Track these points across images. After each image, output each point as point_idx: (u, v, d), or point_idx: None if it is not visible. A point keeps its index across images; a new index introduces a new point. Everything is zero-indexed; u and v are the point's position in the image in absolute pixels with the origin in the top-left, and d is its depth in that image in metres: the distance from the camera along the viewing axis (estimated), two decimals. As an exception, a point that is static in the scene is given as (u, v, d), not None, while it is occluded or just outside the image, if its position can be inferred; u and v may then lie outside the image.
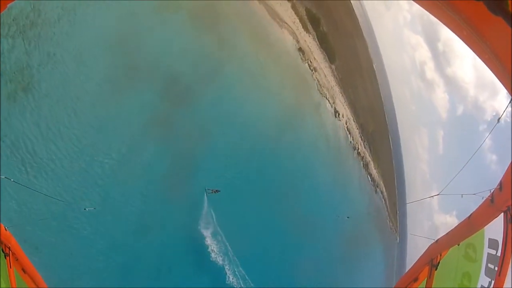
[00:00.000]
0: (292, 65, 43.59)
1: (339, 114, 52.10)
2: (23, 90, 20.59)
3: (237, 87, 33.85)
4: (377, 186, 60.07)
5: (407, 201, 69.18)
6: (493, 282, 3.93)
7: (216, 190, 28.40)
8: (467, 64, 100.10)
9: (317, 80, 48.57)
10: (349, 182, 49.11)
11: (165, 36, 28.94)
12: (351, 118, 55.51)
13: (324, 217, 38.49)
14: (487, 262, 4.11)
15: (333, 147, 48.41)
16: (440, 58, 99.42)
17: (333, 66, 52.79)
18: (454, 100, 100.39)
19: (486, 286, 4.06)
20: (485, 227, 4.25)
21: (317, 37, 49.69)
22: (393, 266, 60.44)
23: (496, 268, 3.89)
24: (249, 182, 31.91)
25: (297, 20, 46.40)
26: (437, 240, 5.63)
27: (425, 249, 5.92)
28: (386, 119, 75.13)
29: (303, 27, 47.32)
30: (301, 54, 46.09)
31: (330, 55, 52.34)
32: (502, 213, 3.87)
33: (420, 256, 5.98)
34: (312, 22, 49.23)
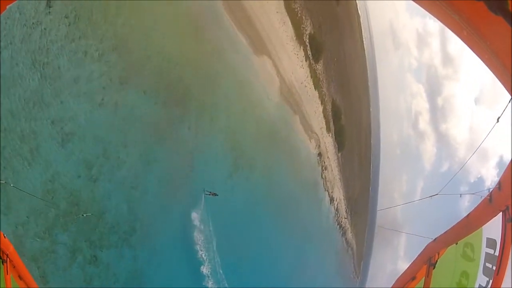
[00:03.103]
0: (308, 169, 45.78)
1: (333, 200, 54.63)
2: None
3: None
4: (350, 247, 63.75)
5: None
6: (491, 281, 3.94)
7: (213, 194, 27.88)
8: (463, 125, 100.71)
9: (325, 177, 50.84)
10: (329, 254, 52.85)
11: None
12: (342, 199, 57.91)
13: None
14: (485, 261, 4.12)
15: (322, 228, 51.19)
16: (437, 113, 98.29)
17: (339, 154, 54.70)
18: (442, 155, 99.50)
19: (484, 285, 4.07)
20: (483, 227, 4.25)
21: (335, 133, 51.34)
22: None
23: (494, 268, 3.89)
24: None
25: (324, 123, 47.96)
26: (435, 239, 5.61)
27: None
28: (371, 163, 76.04)
29: (327, 128, 48.72)
30: (319, 158, 48.19)
31: (341, 145, 54.37)
32: (501, 213, 3.85)
33: (418, 255, 5.98)
34: (335, 115, 50.73)
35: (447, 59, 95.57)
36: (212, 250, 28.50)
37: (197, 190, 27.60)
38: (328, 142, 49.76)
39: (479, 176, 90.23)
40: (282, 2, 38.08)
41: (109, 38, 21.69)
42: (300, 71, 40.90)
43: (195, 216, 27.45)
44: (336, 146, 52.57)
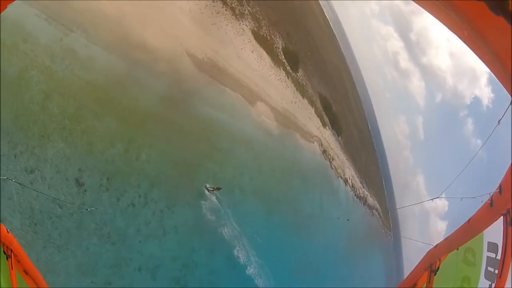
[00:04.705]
0: (319, 170, 48.55)
1: (347, 180, 57.81)
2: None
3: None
4: (373, 209, 67.88)
5: (397, 202, 75.73)
6: (493, 285, 3.91)
7: (217, 188, 28.34)
8: (443, 53, 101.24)
9: (334, 167, 53.69)
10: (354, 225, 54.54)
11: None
12: (354, 174, 61.12)
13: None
14: (487, 265, 4.11)
15: (346, 211, 53.94)
16: (414, 48, 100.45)
17: (339, 138, 57.69)
18: (432, 88, 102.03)
19: None
20: (484, 231, 4.25)
21: (331, 123, 54.14)
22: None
23: (496, 271, 3.88)
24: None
25: (319, 122, 50.55)
26: (436, 245, 5.63)
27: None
28: (368, 123, 79.87)
29: (322, 125, 51.38)
30: (324, 154, 50.81)
31: (339, 131, 57.26)
32: (502, 216, 3.86)
33: (419, 262, 5.99)
34: (326, 108, 53.34)
35: None
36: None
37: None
38: (327, 135, 52.41)
39: (473, 97, 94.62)
40: (251, 37, 40.16)
41: (144, 180, 23.87)
42: (287, 92, 42.85)
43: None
44: (335, 133, 55.26)
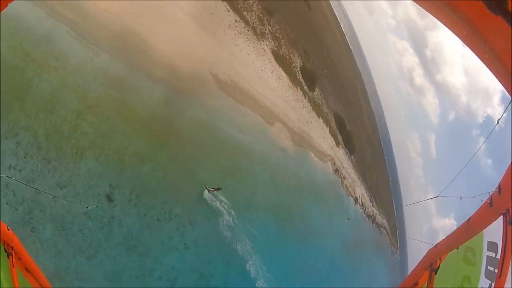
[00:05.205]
0: (331, 190, 49.75)
1: (357, 199, 58.39)
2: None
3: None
4: (382, 227, 68.06)
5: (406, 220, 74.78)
6: (493, 284, 3.90)
7: (217, 188, 28.81)
8: (457, 70, 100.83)
9: (346, 186, 54.60)
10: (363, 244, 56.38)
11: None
12: (364, 192, 61.58)
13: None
14: (487, 264, 4.11)
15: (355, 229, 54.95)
16: (429, 64, 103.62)
17: (352, 157, 58.48)
18: (446, 106, 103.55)
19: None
20: (484, 231, 4.25)
21: (344, 142, 55.10)
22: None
23: (496, 270, 3.86)
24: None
25: (333, 141, 51.82)
26: (436, 245, 5.60)
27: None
28: (381, 141, 79.81)
29: (336, 144, 52.46)
30: (336, 173, 51.82)
31: (352, 149, 58.08)
32: (502, 216, 3.85)
33: (420, 261, 5.97)
34: (340, 127, 54.45)
35: (422, 10, 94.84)
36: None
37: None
38: (340, 154, 53.24)
39: (486, 115, 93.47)
40: (271, 57, 41.91)
41: (169, 197, 25.67)
42: (303, 112, 44.11)
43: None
44: (348, 152, 55.76)
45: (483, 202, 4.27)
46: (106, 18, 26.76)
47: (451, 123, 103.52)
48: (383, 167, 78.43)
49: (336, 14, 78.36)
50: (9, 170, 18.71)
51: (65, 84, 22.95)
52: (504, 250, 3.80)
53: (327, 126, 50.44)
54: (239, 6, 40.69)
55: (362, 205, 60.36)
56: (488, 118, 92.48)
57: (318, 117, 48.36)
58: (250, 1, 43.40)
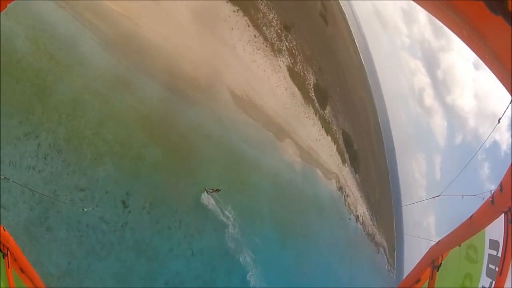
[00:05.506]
0: (334, 207, 50.68)
1: (359, 217, 59.06)
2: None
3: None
4: (380, 246, 68.36)
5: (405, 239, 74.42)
6: (494, 282, 3.92)
7: (216, 190, 29.03)
8: (467, 93, 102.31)
9: (348, 204, 55.40)
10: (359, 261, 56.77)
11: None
12: (366, 211, 62.03)
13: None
14: (488, 262, 4.14)
15: (354, 246, 55.62)
16: (440, 86, 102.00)
17: (356, 176, 59.11)
18: (453, 128, 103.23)
19: (487, 286, 4.05)
20: (486, 229, 4.28)
21: (350, 160, 55.98)
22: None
23: (497, 269, 3.88)
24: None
25: (339, 159, 52.52)
26: (437, 242, 5.61)
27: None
28: (387, 159, 79.93)
29: (342, 162, 53.16)
30: (340, 191, 52.47)
31: (357, 168, 58.82)
32: (503, 214, 3.89)
33: (422, 258, 5.98)
34: (347, 146, 55.27)
35: (437, 31, 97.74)
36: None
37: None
38: (345, 172, 53.60)
39: (493, 140, 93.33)
40: (286, 74, 43.21)
41: (181, 206, 26.81)
42: (313, 130, 44.93)
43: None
44: (353, 170, 56.22)
45: (485, 200, 4.35)
46: (131, 29, 27.84)
47: (457, 146, 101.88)
48: (387, 185, 78.80)
49: (352, 29, 79.30)
50: (28, 171, 19.45)
51: (87, 91, 23.73)
52: (505, 249, 3.83)
53: (335, 144, 51.35)
54: (259, 22, 41.89)
55: (363, 223, 60.77)
56: (495, 144, 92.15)
57: (327, 134, 49.31)
58: (270, 16, 44.64)
